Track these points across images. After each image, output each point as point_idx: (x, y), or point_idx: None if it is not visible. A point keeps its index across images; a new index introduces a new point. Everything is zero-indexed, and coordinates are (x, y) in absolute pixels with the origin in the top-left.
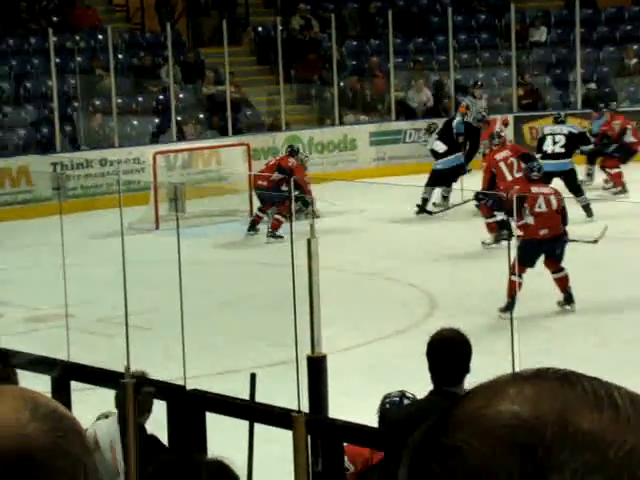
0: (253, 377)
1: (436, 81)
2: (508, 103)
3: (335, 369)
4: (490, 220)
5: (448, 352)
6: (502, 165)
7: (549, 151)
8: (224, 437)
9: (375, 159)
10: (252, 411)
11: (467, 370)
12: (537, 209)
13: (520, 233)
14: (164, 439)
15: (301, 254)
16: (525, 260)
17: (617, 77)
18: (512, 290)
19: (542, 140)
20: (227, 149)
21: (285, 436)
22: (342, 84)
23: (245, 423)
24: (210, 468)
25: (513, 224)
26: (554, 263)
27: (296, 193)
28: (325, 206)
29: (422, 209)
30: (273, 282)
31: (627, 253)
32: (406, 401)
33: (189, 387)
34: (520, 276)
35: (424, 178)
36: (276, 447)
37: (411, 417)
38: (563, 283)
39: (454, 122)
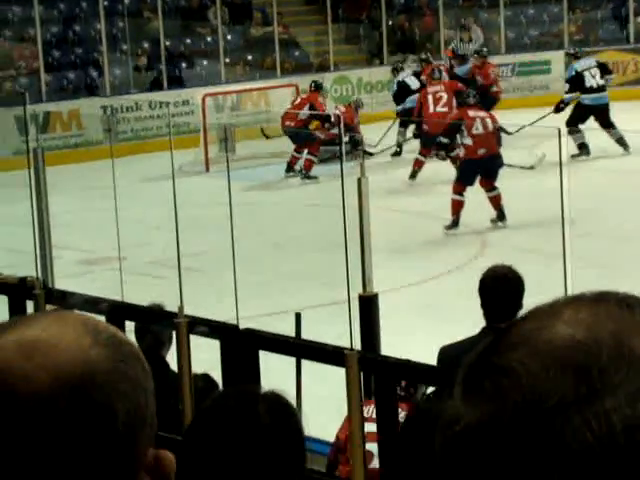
0: (298, 317)
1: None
2: (559, 39)
3: (387, 308)
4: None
5: (500, 288)
6: (430, 98)
7: (594, 85)
8: (275, 378)
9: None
10: (305, 349)
11: (520, 306)
12: (474, 131)
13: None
14: (218, 379)
15: (351, 194)
16: (465, 179)
17: None
18: (455, 209)
19: (581, 77)
20: (275, 90)
21: (337, 376)
22: (390, 23)
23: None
24: (267, 399)
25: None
26: (488, 182)
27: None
28: (373, 145)
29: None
30: (323, 223)
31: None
32: None
33: (242, 327)
34: (461, 194)
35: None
36: (327, 387)
37: (464, 354)
38: (496, 201)
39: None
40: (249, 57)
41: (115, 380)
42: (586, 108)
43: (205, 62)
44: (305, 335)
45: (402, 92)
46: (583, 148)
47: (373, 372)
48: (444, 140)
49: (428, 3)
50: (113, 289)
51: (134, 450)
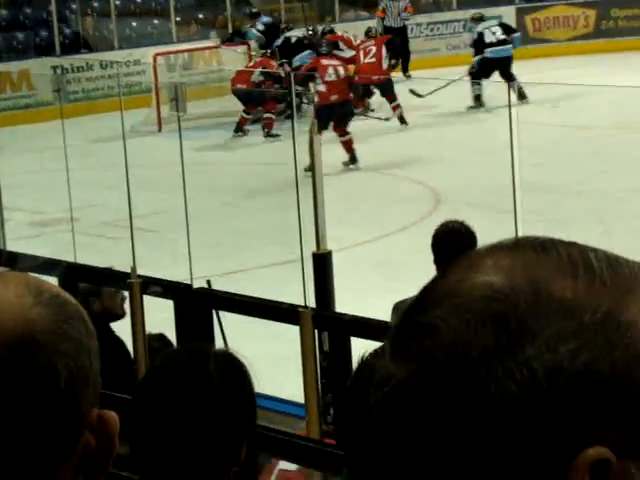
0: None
1: None
2: None
3: (341, 266)
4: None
5: (453, 243)
6: (361, 52)
7: (494, 40)
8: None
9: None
10: (259, 308)
11: None
12: (327, 78)
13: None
14: (172, 338)
15: (304, 152)
16: (319, 123)
17: None
18: (348, 147)
19: (481, 36)
20: (227, 49)
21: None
22: None
23: (252, 324)
24: (217, 357)
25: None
26: (340, 128)
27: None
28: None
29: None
30: (277, 181)
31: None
32: None
33: (196, 286)
34: (345, 134)
35: (422, 73)
36: (282, 346)
37: None
38: (348, 145)
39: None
40: (200, 15)
41: (57, 340)
42: (489, 61)
43: (156, 21)
44: (261, 294)
45: None
46: (478, 100)
47: (327, 329)
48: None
49: None
50: (66, 251)
51: (77, 410)
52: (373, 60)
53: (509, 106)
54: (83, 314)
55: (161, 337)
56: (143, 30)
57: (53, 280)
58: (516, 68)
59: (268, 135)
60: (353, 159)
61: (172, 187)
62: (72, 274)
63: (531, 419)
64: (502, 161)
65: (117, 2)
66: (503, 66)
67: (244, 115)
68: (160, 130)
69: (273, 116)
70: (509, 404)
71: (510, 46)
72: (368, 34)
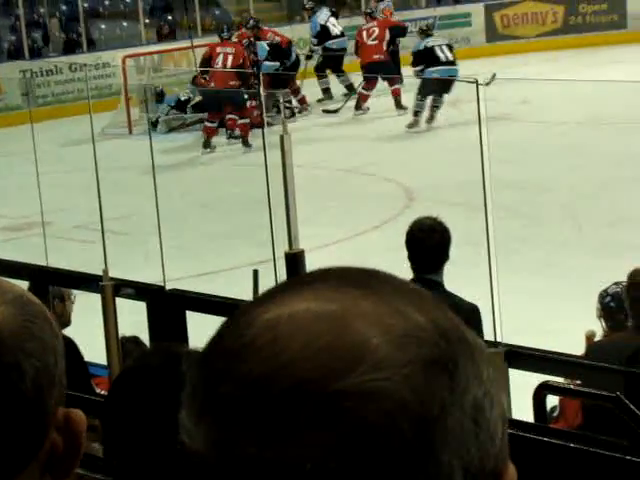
0: (256, 273)
1: None
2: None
3: (315, 266)
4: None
5: (427, 240)
6: (364, 32)
7: (443, 59)
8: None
9: (347, 54)
10: (231, 308)
11: (446, 258)
12: (215, 66)
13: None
14: (146, 341)
15: (275, 153)
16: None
17: None
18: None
19: (431, 51)
20: (197, 50)
21: None
22: None
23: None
24: (191, 358)
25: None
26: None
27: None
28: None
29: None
30: (250, 182)
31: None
32: None
33: (169, 288)
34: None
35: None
36: None
37: None
38: (243, 127)
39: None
40: (169, 17)
41: (22, 339)
42: (434, 81)
43: (125, 23)
44: (236, 295)
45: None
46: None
47: None
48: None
49: None
50: (38, 255)
51: (43, 409)
52: (376, 42)
53: (478, 103)
54: (47, 314)
55: (135, 339)
56: (112, 32)
57: (24, 284)
58: (485, 65)
59: (244, 143)
60: (246, 143)
61: (143, 189)
62: (43, 278)
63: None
64: (473, 158)
65: (85, 5)
66: (445, 85)
67: (208, 125)
68: (131, 132)
69: (247, 121)
70: (473, 440)
71: (456, 67)
72: (371, 15)
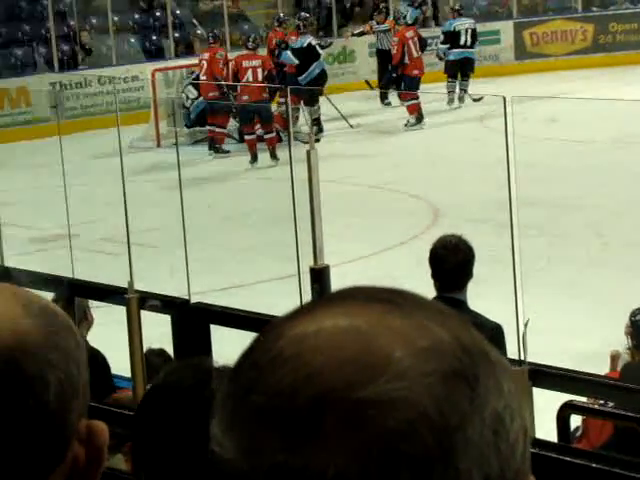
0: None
1: None
2: (508, 9)
3: (341, 281)
4: (410, 103)
5: (451, 258)
6: (410, 42)
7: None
8: (230, 352)
9: (375, 70)
10: (256, 322)
11: (470, 276)
12: (244, 80)
13: None
14: (171, 353)
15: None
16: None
17: None
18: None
19: (458, 34)
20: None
21: None
22: None
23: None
24: (221, 374)
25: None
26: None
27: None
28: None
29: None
30: (277, 197)
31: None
32: None
33: (194, 301)
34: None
35: (430, 88)
36: None
37: None
38: (272, 142)
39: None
40: (198, 32)
41: (47, 351)
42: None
43: (154, 37)
44: (261, 309)
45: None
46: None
47: None
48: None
49: None
50: (65, 267)
51: (66, 420)
52: (420, 53)
53: (505, 121)
54: (71, 325)
55: (161, 352)
56: (141, 46)
57: (49, 295)
58: (515, 82)
59: (217, 151)
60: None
61: (171, 202)
62: (69, 290)
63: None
64: (500, 176)
65: (115, 18)
66: (464, 66)
67: (248, 138)
68: (159, 145)
69: (224, 130)
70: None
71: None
72: (404, 21)
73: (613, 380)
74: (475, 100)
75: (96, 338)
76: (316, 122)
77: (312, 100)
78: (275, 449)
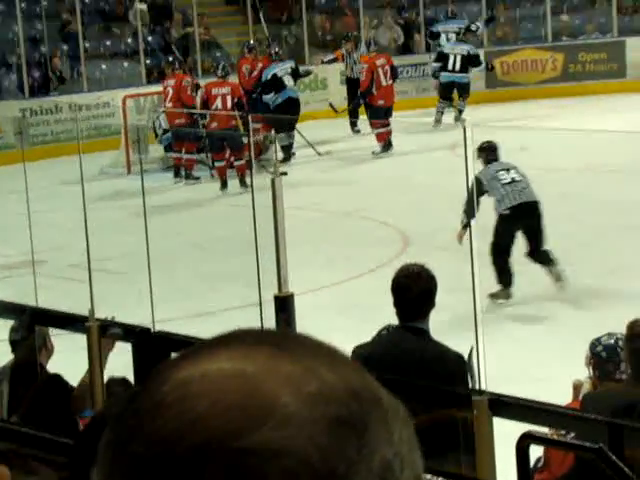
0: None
1: (406, 17)
2: (478, 38)
3: (307, 308)
4: (379, 131)
5: (413, 287)
6: (380, 71)
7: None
8: None
9: (346, 98)
10: None
11: (432, 305)
12: (213, 108)
13: None
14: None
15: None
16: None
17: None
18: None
19: (446, 57)
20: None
21: None
22: (311, 22)
23: None
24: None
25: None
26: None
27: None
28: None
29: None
30: (246, 224)
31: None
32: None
33: (159, 329)
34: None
35: (399, 115)
36: None
37: (375, 354)
38: (241, 169)
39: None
40: (170, 58)
41: None
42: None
43: (126, 64)
44: None
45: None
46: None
47: None
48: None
49: (348, 3)
50: (30, 294)
51: None
52: (391, 82)
53: (465, 149)
54: None
55: (123, 381)
56: (113, 72)
57: (9, 323)
58: (485, 111)
59: (187, 177)
60: (243, 182)
61: (140, 229)
62: (30, 318)
63: None
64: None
65: (87, 45)
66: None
67: (218, 165)
68: (129, 172)
69: (193, 157)
70: None
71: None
72: (374, 48)
73: (573, 410)
74: (457, 120)
75: (57, 366)
76: (287, 150)
77: (286, 127)
78: None
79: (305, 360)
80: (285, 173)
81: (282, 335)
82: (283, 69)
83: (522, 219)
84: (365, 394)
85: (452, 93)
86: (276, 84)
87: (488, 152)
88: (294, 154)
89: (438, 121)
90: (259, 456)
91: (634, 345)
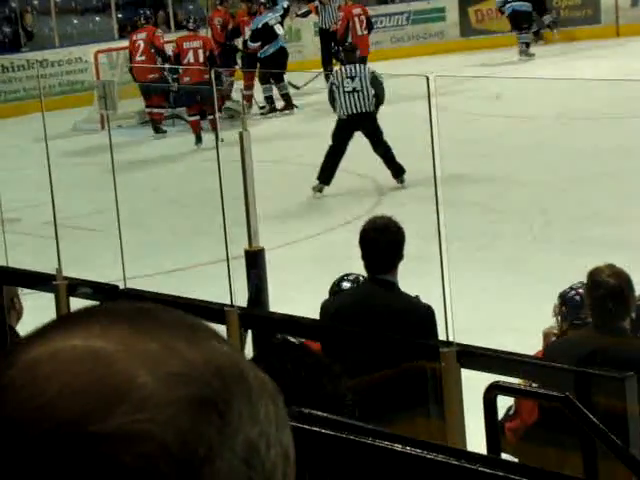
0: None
1: None
2: None
3: (282, 261)
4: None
5: (380, 239)
6: (356, 20)
7: None
8: None
9: (320, 49)
10: (185, 307)
11: (400, 257)
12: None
13: None
14: None
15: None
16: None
17: None
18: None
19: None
20: (168, 45)
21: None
22: None
23: None
24: None
25: None
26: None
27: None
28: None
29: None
30: (216, 179)
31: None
32: (346, 284)
33: (132, 286)
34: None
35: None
36: None
37: (344, 307)
38: (194, 125)
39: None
40: (142, 12)
41: None
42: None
43: (97, 18)
44: (199, 293)
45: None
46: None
47: (255, 328)
48: None
49: None
50: (6, 252)
51: None
52: (366, 32)
53: (428, 100)
54: None
55: None
56: (84, 27)
57: None
58: (459, 59)
59: (156, 131)
60: (199, 139)
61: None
62: None
63: None
64: (444, 153)
65: (57, 0)
66: None
67: (192, 119)
68: (103, 128)
69: (162, 110)
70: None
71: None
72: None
73: (538, 359)
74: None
75: (25, 327)
76: (286, 98)
77: (276, 78)
78: None
79: (164, 337)
80: (296, 106)
81: (140, 311)
82: (274, 18)
83: (357, 126)
84: (228, 371)
85: (523, 22)
86: (267, 34)
87: (346, 53)
88: (296, 106)
89: (524, 52)
90: (113, 442)
91: (595, 293)
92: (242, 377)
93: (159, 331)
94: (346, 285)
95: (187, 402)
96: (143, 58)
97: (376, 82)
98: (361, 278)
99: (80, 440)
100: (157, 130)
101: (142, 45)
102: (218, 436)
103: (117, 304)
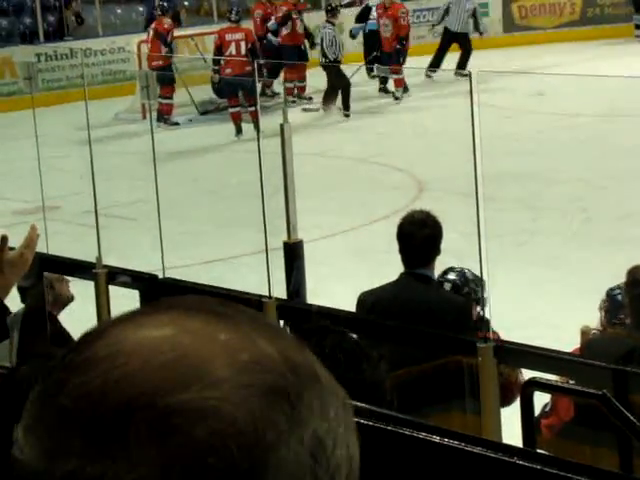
0: None
1: None
2: None
3: (321, 254)
4: (396, 77)
5: (418, 234)
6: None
7: None
8: None
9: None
10: (224, 298)
11: (437, 252)
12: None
13: None
14: None
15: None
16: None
17: None
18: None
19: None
20: (212, 36)
21: None
22: None
23: None
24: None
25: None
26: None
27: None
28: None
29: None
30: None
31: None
32: (451, 276)
33: (171, 276)
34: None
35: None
36: None
37: (382, 300)
38: (255, 115)
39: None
40: (185, 3)
41: None
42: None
43: (141, 8)
44: (240, 284)
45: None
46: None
47: (292, 320)
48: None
49: None
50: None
51: None
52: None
53: (471, 96)
54: None
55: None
56: (128, 17)
57: None
58: (502, 55)
59: (166, 122)
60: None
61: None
62: (39, 264)
63: None
64: (486, 150)
65: None
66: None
67: (232, 110)
68: (145, 118)
69: (170, 101)
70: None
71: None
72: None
73: (576, 357)
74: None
75: (68, 314)
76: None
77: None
78: (74, 454)
79: (243, 330)
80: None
81: (222, 304)
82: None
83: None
84: (302, 369)
85: None
86: (367, 13)
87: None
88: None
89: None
90: (185, 416)
91: (635, 291)
92: (315, 376)
93: (239, 323)
94: (452, 277)
95: (260, 388)
96: (149, 46)
97: None
98: (466, 271)
99: (153, 412)
100: (165, 121)
101: (151, 33)
102: (287, 424)
103: (202, 297)
